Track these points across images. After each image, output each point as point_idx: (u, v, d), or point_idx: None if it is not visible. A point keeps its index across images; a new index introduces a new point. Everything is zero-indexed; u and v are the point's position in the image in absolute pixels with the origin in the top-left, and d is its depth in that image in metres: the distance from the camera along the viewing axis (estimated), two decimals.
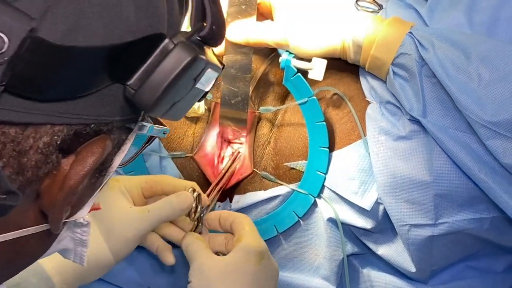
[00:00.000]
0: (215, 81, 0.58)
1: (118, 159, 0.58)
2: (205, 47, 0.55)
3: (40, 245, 0.57)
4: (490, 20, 0.92)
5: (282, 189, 1.02)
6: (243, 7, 0.97)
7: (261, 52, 1.08)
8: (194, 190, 0.91)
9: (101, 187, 0.59)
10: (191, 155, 1.06)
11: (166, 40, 0.51)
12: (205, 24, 0.54)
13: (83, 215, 0.59)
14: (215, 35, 0.56)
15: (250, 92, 1.05)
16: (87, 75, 0.46)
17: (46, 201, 0.50)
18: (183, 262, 0.96)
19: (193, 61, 0.50)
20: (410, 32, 0.90)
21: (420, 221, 0.92)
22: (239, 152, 1.03)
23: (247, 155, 1.07)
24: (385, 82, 0.94)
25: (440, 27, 0.94)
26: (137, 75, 0.50)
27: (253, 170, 1.06)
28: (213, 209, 1.07)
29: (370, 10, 1.03)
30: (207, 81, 0.56)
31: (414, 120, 0.91)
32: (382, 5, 1.03)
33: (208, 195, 0.98)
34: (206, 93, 0.59)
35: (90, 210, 0.83)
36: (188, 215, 0.91)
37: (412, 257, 0.96)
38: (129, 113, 0.52)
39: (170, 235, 0.94)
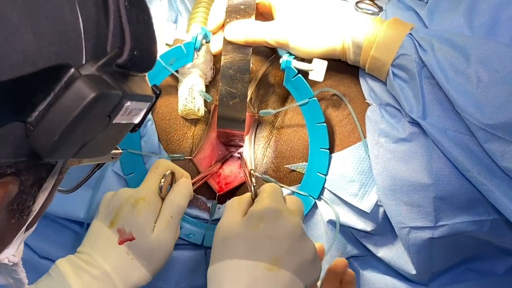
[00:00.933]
0: (150, 111, 0.53)
1: (42, 197, 0.54)
2: (132, 75, 0.50)
3: None
4: (490, 22, 0.91)
5: (282, 191, 1.02)
6: (242, 6, 0.97)
7: (261, 53, 1.08)
8: (172, 173, 0.92)
9: (25, 225, 0.55)
10: (190, 157, 1.06)
11: (72, 71, 0.44)
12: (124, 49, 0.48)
13: (7, 255, 0.56)
14: (139, 61, 0.50)
15: (250, 94, 1.05)
16: None
17: None
18: (190, 263, 0.96)
19: (96, 99, 0.44)
20: (410, 34, 0.90)
21: (420, 223, 0.92)
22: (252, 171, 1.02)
23: (248, 158, 1.07)
24: (385, 84, 0.94)
25: (440, 29, 0.93)
26: (37, 112, 0.44)
27: (254, 174, 1.06)
28: (212, 212, 1.07)
29: (370, 12, 1.03)
30: (134, 113, 0.51)
31: (414, 122, 0.91)
32: (382, 7, 1.03)
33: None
34: (141, 122, 0.54)
35: (124, 241, 0.82)
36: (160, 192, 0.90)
37: (412, 259, 0.96)
38: None
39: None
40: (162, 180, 0.89)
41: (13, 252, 0.57)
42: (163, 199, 0.90)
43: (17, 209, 0.51)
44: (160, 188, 0.89)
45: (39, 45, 0.43)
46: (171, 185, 0.92)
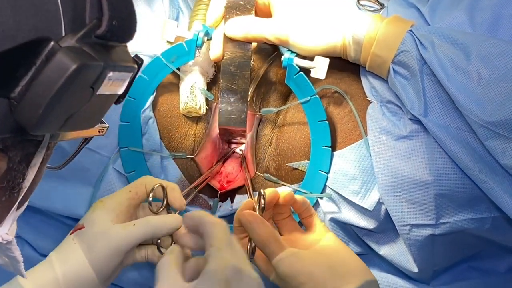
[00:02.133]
0: (132, 79, 0.52)
1: (32, 173, 0.54)
2: (112, 46, 0.49)
3: None
4: (492, 18, 0.91)
5: (284, 190, 1.02)
6: (241, 2, 0.97)
7: (263, 52, 1.08)
8: (162, 187, 0.90)
9: (17, 202, 0.55)
10: (192, 156, 1.06)
11: (51, 44, 0.44)
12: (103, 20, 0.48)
13: (1, 233, 0.56)
14: (118, 31, 0.50)
15: (252, 92, 1.04)
16: None
17: None
18: None
19: (78, 70, 0.44)
20: (411, 30, 0.89)
21: (421, 221, 0.92)
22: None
23: (249, 157, 1.07)
24: (386, 81, 0.94)
25: (441, 26, 0.93)
26: (20, 87, 0.44)
27: (255, 173, 1.06)
28: (213, 210, 1.07)
29: (372, 9, 1.03)
30: (117, 84, 0.51)
31: (415, 120, 0.91)
32: (383, 4, 1.03)
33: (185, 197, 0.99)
34: (125, 93, 0.54)
35: (74, 230, 0.83)
36: (150, 206, 0.90)
37: (414, 257, 0.96)
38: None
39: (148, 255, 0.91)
40: (151, 195, 0.89)
41: (6, 231, 0.57)
42: (153, 211, 0.90)
43: (7, 186, 0.52)
44: (150, 203, 0.89)
45: (17, 19, 0.43)
46: (164, 201, 0.91)
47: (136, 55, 0.60)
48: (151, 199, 0.89)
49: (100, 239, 0.84)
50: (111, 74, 0.48)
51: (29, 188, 0.56)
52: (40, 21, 0.44)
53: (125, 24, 0.50)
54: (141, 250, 0.90)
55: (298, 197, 0.91)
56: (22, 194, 0.55)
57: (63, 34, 0.46)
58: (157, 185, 0.89)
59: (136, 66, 0.54)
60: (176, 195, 0.90)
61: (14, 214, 0.57)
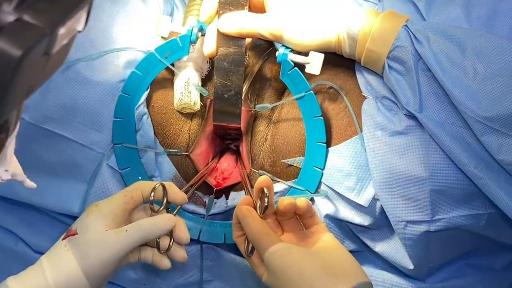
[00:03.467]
0: (90, 9, 0.50)
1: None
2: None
3: None
4: (488, 13, 0.91)
5: (279, 186, 1.02)
6: None
7: (258, 48, 1.08)
8: (163, 186, 0.89)
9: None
10: (186, 153, 1.05)
11: None
12: None
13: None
14: None
15: (246, 88, 1.04)
16: None
17: None
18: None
19: (25, 55, 0.42)
20: (406, 25, 0.89)
21: (416, 217, 0.92)
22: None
23: (245, 154, 1.06)
24: (381, 77, 0.94)
25: (437, 21, 0.93)
26: None
27: (251, 169, 1.06)
28: (208, 207, 1.06)
29: (368, 3, 1.03)
30: (72, 27, 0.48)
31: (410, 116, 0.90)
32: None
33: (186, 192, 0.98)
34: (86, 23, 0.51)
35: (67, 236, 0.82)
36: (151, 205, 0.89)
37: (409, 253, 0.95)
38: None
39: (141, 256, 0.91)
40: (152, 194, 0.88)
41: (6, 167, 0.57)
42: (154, 210, 0.89)
43: None
44: (151, 203, 0.89)
45: None
46: (164, 200, 0.90)
47: None
48: (152, 198, 0.88)
49: (93, 246, 0.82)
50: (62, 30, 0.46)
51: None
52: None
53: None
54: (134, 253, 0.90)
55: (301, 201, 0.88)
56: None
57: None
58: (158, 185, 0.89)
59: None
60: (175, 191, 0.90)
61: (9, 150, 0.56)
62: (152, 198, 0.88)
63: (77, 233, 0.84)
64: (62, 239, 0.85)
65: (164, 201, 0.89)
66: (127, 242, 0.83)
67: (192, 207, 1.06)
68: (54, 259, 0.83)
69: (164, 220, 0.85)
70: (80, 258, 0.82)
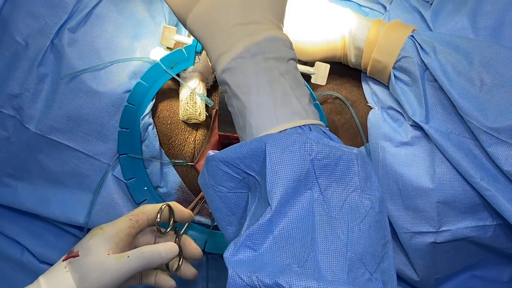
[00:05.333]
0: None
1: None
2: None
3: None
4: (494, 24, 0.91)
5: None
6: None
7: None
8: (169, 206, 0.90)
9: None
10: (192, 163, 1.05)
11: None
12: None
13: None
14: None
15: None
16: None
17: None
18: None
19: None
20: (412, 36, 0.89)
21: (422, 228, 0.91)
22: None
23: None
24: (387, 87, 0.93)
25: (443, 31, 0.93)
26: None
27: None
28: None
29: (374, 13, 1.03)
30: None
31: (416, 126, 0.90)
32: (386, 7, 1.03)
33: (192, 209, 0.99)
34: None
35: (68, 257, 0.82)
36: (158, 227, 0.90)
37: (415, 265, 0.95)
38: None
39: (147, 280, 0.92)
40: (159, 216, 0.89)
41: None
42: (161, 232, 0.90)
43: None
44: (158, 224, 0.89)
45: None
46: (170, 220, 0.91)
47: None
48: (158, 220, 0.89)
49: (93, 270, 0.82)
50: None
51: None
52: None
53: None
54: (136, 276, 0.90)
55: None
56: None
57: None
58: (164, 206, 0.89)
59: None
60: (182, 209, 0.91)
61: None
62: (158, 219, 0.88)
63: (78, 255, 0.84)
64: (63, 260, 0.84)
65: (171, 222, 0.89)
66: (127, 268, 0.83)
67: (197, 217, 1.06)
68: (52, 280, 0.83)
69: (166, 249, 0.86)
70: (79, 281, 0.82)
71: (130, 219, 0.88)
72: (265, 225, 0.61)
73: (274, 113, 0.66)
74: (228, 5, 0.70)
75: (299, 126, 0.65)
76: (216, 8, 0.70)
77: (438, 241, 0.91)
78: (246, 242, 0.61)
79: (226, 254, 0.61)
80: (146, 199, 1.03)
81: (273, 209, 0.60)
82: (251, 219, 0.64)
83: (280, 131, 0.64)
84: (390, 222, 0.94)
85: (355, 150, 0.65)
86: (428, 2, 1.03)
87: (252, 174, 0.65)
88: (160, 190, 1.04)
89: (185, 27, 0.74)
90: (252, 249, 0.61)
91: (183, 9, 0.73)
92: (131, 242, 0.89)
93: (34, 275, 0.85)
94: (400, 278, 1.01)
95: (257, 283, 0.58)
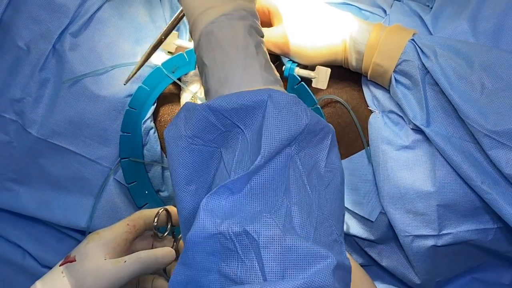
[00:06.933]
0: None
1: None
2: None
3: None
4: (495, 28, 0.91)
5: None
6: None
7: None
8: (166, 210, 0.90)
9: None
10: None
11: None
12: None
13: None
14: None
15: None
16: None
17: None
18: None
19: None
20: (412, 40, 0.89)
21: (423, 231, 0.91)
22: None
23: None
24: (387, 91, 0.94)
25: (443, 35, 0.93)
26: None
27: None
28: None
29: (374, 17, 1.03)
30: None
31: (417, 130, 0.90)
32: (386, 11, 1.03)
33: None
34: None
35: (65, 262, 0.82)
36: (156, 231, 0.90)
37: (416, 268, 0.95)
38: None
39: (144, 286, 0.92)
40: (156, 220, 0.89)
41: None
42: (159, 237, 0.90)
43: None
44: (155, 228, 0.89)
45: None
46: (168, 225, 0.92)
47: None
48: (155, 224, 0.89)
49: (89, 275, 0.82)
50: None
51: None
52: None
53: None
54: (132, 281, 0.90)
55: None
56: None
57: None
58: (161, 210, 0.89)
59: None
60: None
61: None
62: (155, 224, 0.88)
63: (75, 260, 0.84)
64: (60, 265, 0.84)
65: (169, 226, 0.89)
66: (124, 273, 0.83)
67: None
68: (49, 285, 0.83)
69: (163, 253, 0.86)
70: (76, 286, 0.82)
71: (127, 224, 0.88)
72: (251, 173, 0.62)
73: (260, 74, 0.68)
74: None
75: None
76: None
77: (439, 245, 0.91)
78: (229, 185, 0.61)
79: (204, 199, 0.61)
80: (147, 203, 1.03)
81: (263, 160, 0.61)
82: (237, 170, 0.64)
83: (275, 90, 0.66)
84: (391, 225, 0.95)
85: (330, 125, 0.69)
86: (428, 6, 1.03)
87: (241, 127, 0.65)
88: (162, 194, 1.05)
89: None
90: (232, 192, 0.61)
91: None
92: (128, 247, 0.89)
93: (35, 279, 0.85)
94: (401, 281, 1.01)
95: (226, 230, 0.59)
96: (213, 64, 0.70)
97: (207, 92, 0.72)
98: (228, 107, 0.65)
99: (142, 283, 0.91)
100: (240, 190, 0.62)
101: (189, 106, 0.68)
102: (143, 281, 0.91)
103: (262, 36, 0.75)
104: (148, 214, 0.90)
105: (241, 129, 0.66)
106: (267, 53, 0.73)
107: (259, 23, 0.75)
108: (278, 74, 0.72)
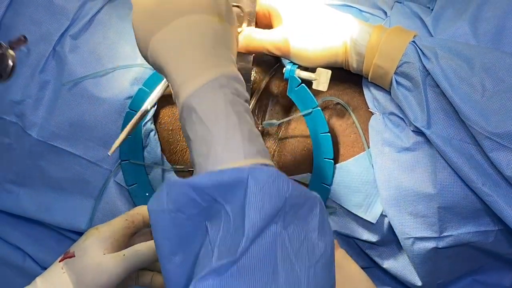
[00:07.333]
0: None
1: None
2: None
3: None
4: (495, 30, 0.91)
5: None
6: (242, 14, 0.96)
7: (264, 64, 1.08)
8: None
9: None
10: (193, 169, 1.05)
11: None
12: None
13: None
14: None
15: (253, 104, 1.04)
16: None
17: None
18: None
19: None
20: (413, 41, 0.89)
21: (424, 234, 0.91)
22: None
23: None
24: (388, 92, 0.94)
25: (444, 36, 0.93)
26: None
27: None
28: None
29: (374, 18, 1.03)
30: None
31: (418, 132, 0.90)
32: (386, 13, 1.03)
33: None
34: None
35: (64, 258, 0.82)
36: None
37: (417, 270, 0.95)
38: None
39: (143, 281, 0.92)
40: None
41: None
42: None
43: None
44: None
45: None
46: None
47: None
48: None
49: (90, 271, 0.83)
50: None
51: None
52: None
53: None
54: (132, 277, 0.90)
55: None
56: None
57: None
58: None
59: None
60: None
61: None
62: None
63: (74, 256, 0.84)
64: (59, 261, 0.85)
65: None
66: (124, 267, 0.83)
67: None
68: (49, 281, 0.83)
69: None
70: (76, 281, 0.82)
71: (126, 220, 0.88)
72: (238, 258, 0.60)
73: (242, 147, 0.66)
74: (195, 35, 0.71)
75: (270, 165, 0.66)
76: (184, 36, 0.71)
77: (440, 247, 0.91)
78: (215, 269, 0.60)
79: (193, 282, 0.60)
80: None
81: (248, 242, 0.60)
82: (220, 247, 0.62)
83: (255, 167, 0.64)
84: (392, 227, 0.95)
85: (317, 194, 0.67)
86: (429, 7, 1.03)
87: (222, 203, 0.64)
88: None
89: (145, 54, 0.75)
90: (218, 274, 0.60)
91: (147, 33, 0.74)
92: (127, 243, 0.89)
93: None
94: (402, 283, 1.01)
95: None
96: (196, 138, 0.69)
97: (193, 165, 0.71)
98: (208, 184, 0.64)
99: (142, 278, 0.91)
100: (226, 271, 0.60)
101: (171, 182, 0.67)
102: (142, 276, 0.91)
103: (247, 100, 0.72)
104: (147, 209, 0.90)
105: (223, 204, 0.64)
106: (252, 119, 0.71)
107: (243, 86, 0.72)
108: (263, 143, 0.70)
